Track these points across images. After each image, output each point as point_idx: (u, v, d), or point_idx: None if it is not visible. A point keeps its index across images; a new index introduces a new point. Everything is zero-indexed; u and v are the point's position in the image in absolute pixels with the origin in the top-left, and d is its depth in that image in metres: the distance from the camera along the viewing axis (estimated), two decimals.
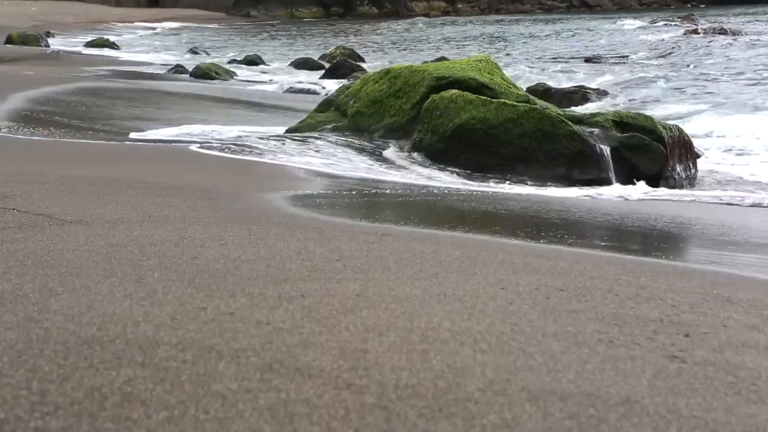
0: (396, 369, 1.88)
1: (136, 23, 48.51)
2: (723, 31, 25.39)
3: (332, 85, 13.76)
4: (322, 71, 18.39)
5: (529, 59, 22.65)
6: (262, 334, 2.04)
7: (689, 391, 1.89)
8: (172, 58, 22.32)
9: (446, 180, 6.30)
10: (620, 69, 18.48)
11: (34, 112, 8.59)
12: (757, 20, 35.10)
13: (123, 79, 13.29)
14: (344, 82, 13.60)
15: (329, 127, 7.85)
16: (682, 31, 27.11)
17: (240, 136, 7.64)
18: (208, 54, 23.11)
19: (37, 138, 6.84)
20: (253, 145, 6.96)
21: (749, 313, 2.64)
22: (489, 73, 7.54)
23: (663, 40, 24.83)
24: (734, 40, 23.80)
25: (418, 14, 65.43)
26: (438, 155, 6.73)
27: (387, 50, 28.19)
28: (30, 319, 2.06)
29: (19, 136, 6.84)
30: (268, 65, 20.75)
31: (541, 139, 6.47)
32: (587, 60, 20.94)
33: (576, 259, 3.33)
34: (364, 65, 19.55)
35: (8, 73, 13.13)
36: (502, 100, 6.85)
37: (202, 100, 11.61)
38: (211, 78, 15.71)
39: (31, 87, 10.42)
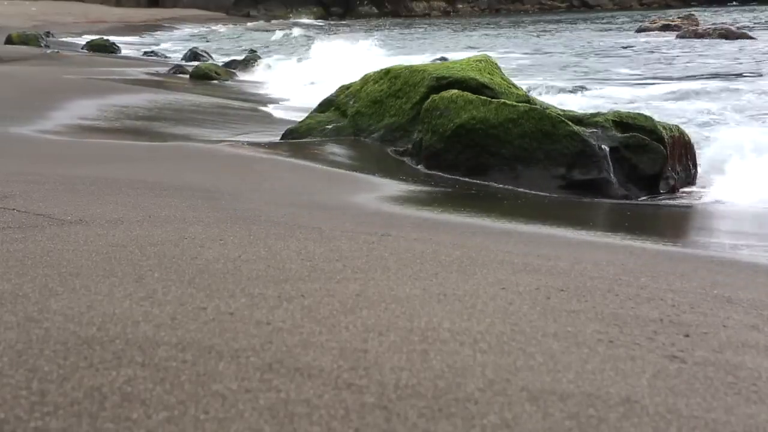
0: (396, 369, 1.88)
1: (138, 24, 48.52)
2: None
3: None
4: None
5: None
6: (262, 334, 2.04)
7: (689, 391, 1.89)
8: (171, 59, 22.33)
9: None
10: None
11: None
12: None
13: (129, 84, 13.25)
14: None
15: (330, 127, 7.85)
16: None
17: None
18: (208, 54, 23.09)
19: (35, 137, 6.84)
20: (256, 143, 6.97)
21: (749, 313, 2.64)
22: (489, 73, 7.54)
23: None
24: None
25: (418, 14, 65.47)
26: (437, 155, 6.73)
27: (387, 50, 28.17)
28: (30, 319, 2.06)
29: (19, 134, 6.84)
30: (268, 65, 20.75)
31: (541, 139, 6.46)
32: None
33: (576, 259, 3.33)
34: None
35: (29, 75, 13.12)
36: (502, 100, 6.84)
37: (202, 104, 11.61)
38: (211, 78, 15.71)
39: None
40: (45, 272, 2.51)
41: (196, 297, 2.32)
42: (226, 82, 15.70)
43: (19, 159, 5.49)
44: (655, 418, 1.73)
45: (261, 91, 14.14)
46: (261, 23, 52.66)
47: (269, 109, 11.55)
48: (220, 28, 46.02)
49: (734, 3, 57.53)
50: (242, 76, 16.85)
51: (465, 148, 6.61)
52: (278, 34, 36.26)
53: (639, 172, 6.50)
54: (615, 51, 23.51)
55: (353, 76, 8.70)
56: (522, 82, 9.69)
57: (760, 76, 15.13)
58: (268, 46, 29.17)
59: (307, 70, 16.04)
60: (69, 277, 2.47)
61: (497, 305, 2.44)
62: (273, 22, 54.50)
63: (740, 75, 15.39)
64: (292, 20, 55.81)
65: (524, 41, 30.91)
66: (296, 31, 37.62)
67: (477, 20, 54.40)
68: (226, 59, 20.70)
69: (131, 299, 2.27)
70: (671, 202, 6.25)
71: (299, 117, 9.36)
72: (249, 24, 52.30)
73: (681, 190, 6.62)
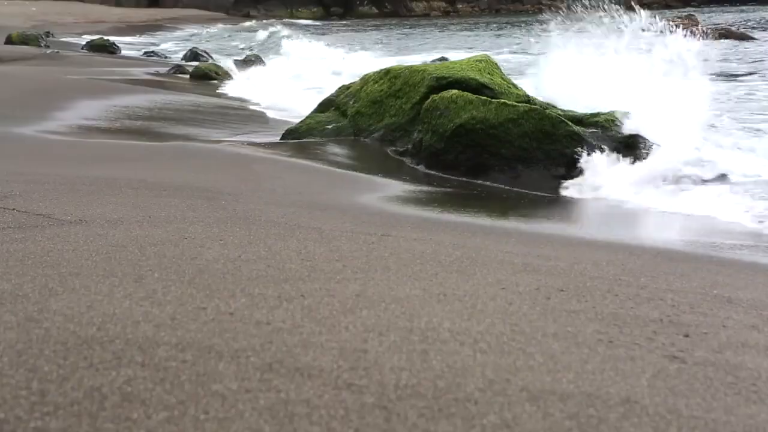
0: (396, 369, 1.88)
1: (138, 24, 48.52)
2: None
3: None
4: None
5: None
6: (262, 334, 2.04)
7: (689, 391, 1.89)
8: (171, 59, 22.35)
9: None
10: None
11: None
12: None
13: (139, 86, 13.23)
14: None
15: (330, 127, 7.85)
16: None
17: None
18: (208, 54, 23.10)
19: (35, 136, 6.84)
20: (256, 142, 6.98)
21: (749, 313, 2.64)
22: (489, 73, 7.53)
23: None
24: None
25: (418, 14, 65.53)
26: (437, 155, 6.73)
27: (387, 50, 28.18)
28: (30, 319, 2.06)
29: (19, 134, 6.83)
30: (263, 64, 20.78)
31: (541, 139, 6.46)
32: None
33: (576, 259, 3.33)
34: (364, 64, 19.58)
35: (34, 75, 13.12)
36: (502, 100, 6.84)
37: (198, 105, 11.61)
38: (211, 78, 15.73)
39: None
40: (45, 272, 2.51)
41: (196, 297, 2.32)
42: (225, 82, 15.72)
43: (19, 159, 5.49)
44: (655, 418, 1.73)
45: (255, 91, 14.13)
46: (254, 23, 52.74)
47: (262, 108, 11.55)
48: (211, 28, 46.01)
49: (735, 3, 57.51)
50: (239, 75, 16.88)
51: (465, 148, 6.61)
52: (264, 34, 35.96)
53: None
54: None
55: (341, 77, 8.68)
56: (522, 82, 9.68)
57: (753, 74, 15.18)
58: (253, 47, 29.10)
59: (297, 70, 16.06)
60: (69, 277, 2.47)
61: (497, 305, 2.44)
62: (264, 21, 54.50)
63: (739, 75, 15.40)
64: (290, 20, 55.85)
65: (524, 41, 30.91)
66: (285, 31, 37.48)
67: (477, 20, 54.41)
68: (227, 59, 20.72)
69: (131, 299, 2.27)
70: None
71: (289, 116, 9.35)
72: (244, 24, 52.39)
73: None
